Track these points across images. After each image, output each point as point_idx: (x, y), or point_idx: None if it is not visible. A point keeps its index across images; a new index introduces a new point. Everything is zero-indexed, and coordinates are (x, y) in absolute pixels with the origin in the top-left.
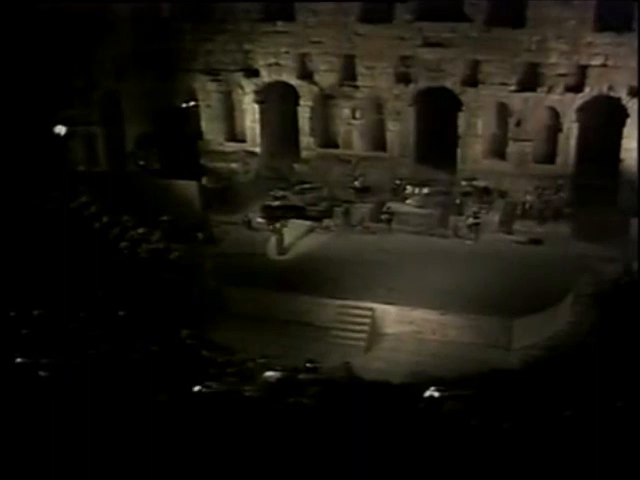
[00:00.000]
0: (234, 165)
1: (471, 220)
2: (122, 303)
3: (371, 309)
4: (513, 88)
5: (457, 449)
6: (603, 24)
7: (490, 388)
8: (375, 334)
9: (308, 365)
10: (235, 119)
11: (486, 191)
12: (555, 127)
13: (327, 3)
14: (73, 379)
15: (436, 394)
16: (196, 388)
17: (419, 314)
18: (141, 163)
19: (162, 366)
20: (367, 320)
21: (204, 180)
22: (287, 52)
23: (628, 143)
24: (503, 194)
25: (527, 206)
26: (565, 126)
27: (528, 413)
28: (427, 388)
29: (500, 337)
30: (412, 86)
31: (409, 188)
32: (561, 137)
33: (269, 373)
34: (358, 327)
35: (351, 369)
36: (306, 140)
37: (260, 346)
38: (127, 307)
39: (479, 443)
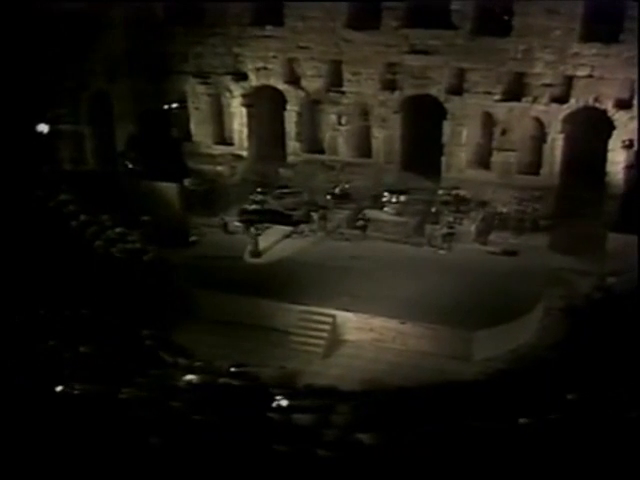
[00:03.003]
0: (220, 168)
1: (445, 229)
2: (87, 301)
3: (332, 316)
4: (498, 97)
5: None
6: (590, 35)
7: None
8: (335, 340)
9: (232, 369)
10: (224, 122)
11: (463, 200)
12: (540, 138)
13: (315, 9)
14: None
15: (284, 403)
16: (58, 388)
17: (379, 322)
18: (127, 163)
19: (96, 365)
20: (327, 327)
21: (187, 182)
22: (275, 57)
23: (614, 156)
24: (484, 204)
25: (504, 217)
26: (550, 137)
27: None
28: (381, 396)
29: (460, 348)
30: (398, 93)
31: (387, 195)
32: (546, 148)
33: (189, 376)
34: (318, 333)
35: (289, 374)
36: (292, 145)
37: (221, 349)
38: (92, 306)
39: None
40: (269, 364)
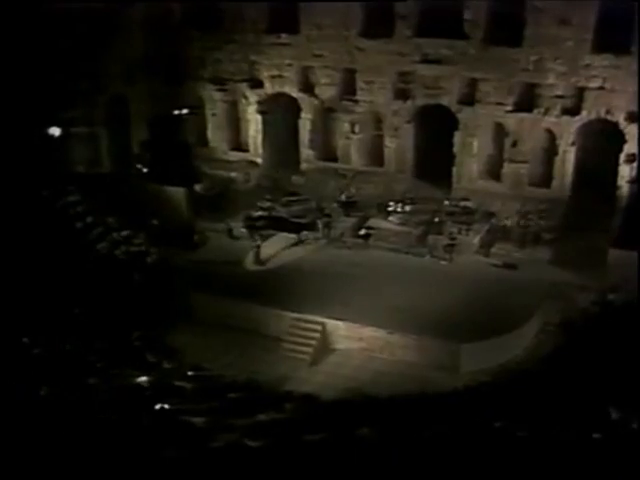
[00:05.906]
0: (234, 174)
1: (447, 240)
2: (83, 301)
3: (322, 324)
4: (509, 108)
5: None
6: (602, 46)
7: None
8: (324, 348)
9: (190, 373)
10: (239, 129)
11: (469, 212)
12: (551, 150)
13: (330, 17)
14: None
15: (167, 406)
16: None
17: (368, 331)
18: (139, 167)
19: (63, 363)
20: (317, 334)
21: (197, 187)
22: (290, 64)
23: (625, 169)
24: (490, 215)
25: (508, 229)
26: (561, 149)
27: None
28: (359, 406)
29: (447, 360)
30: (410, 102)
31: (392, 204)
32: (557, 160)
33: (142, 378)
34: (307, 340)
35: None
36: (306, 152)
37: (212, 353)
38: (87, 305)
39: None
40: (257, 370)
